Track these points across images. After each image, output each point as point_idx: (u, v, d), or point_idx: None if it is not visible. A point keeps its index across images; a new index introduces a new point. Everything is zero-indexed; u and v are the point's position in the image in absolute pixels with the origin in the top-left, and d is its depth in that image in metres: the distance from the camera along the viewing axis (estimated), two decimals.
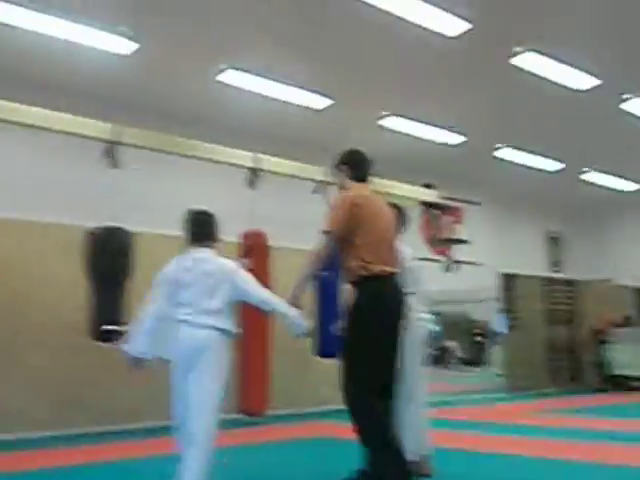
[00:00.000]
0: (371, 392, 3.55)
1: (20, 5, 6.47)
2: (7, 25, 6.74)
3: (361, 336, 3.62)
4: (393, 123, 10.09)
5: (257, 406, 7.11)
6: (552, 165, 12.24)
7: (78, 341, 6.41)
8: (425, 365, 4.36)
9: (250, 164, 7.51)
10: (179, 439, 3.37)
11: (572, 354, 13.29)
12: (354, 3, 6.74)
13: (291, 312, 3.59)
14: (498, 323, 14.12)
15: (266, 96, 8.84)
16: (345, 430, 3.94)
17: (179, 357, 3.41)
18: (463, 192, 12.20)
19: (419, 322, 4.24)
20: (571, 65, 8.36)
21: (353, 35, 7.52)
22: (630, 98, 9.41)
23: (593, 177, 13.05)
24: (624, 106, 9.64)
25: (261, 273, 6.47)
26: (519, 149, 11.51)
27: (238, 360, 6.80)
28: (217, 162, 7.48)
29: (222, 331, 3.47)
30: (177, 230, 3.75)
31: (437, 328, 22.70)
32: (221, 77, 8.39)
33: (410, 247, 4.42)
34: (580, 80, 8.78)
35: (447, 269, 11.68)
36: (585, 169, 12.77)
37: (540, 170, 12.42)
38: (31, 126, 6.27)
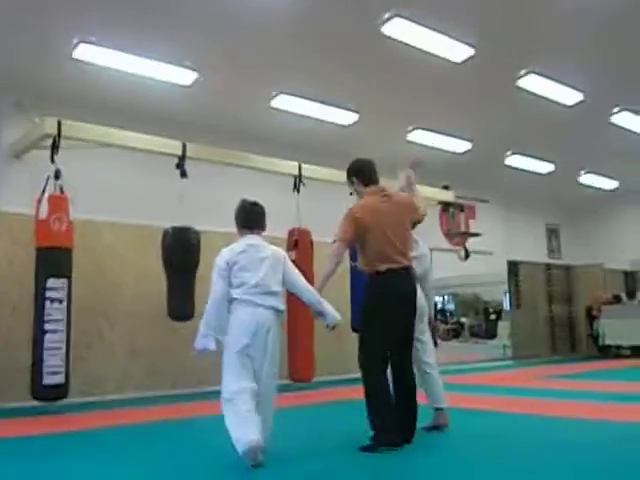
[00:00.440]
0: (375, 361, 3.70)
1: (107, 47, 6.55)
2: (94, 65, 6.82)
3: (368, 321, 3.78)
4: (418, 136, 9.87)
5: (305, 374, 7.14)
6: (550, 168, 12.01)
7: (160, 319, 6.54)
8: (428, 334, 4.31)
9: (295, 172, 7.58)
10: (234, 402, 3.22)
11: (570, 328, 13.30)
12: (383, 41, 6.69)
13: (327, 305, 3.57)
14: (505, 302, 14.07)
15: (304, 115, 8.66)
16: None
17: (244, 335, 3.28)
18: (475, 192, 12.21)
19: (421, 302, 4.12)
20: (563, 83, 8.17)
21: (379, 60, 7.39)
22: (616, 112, 9.39)
23: (586, 178, 12.88)
24: (612, 119, 9.62)
25: (305, 264, 6.48)
26: (522, 155, 11.30)
27: (288, 335, 6.82)
28: (267, 171, 7.56)
29: (280, 312, 3.44)
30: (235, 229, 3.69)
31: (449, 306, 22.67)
32: (273, 102, 8.29)
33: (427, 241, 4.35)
34: (569, 96, 8.57)
35: (464, 257, 11.59)
36: (579, 171, 12.63)
37: (539, 173, 12.20)
38: (122, 147, 6.56)
